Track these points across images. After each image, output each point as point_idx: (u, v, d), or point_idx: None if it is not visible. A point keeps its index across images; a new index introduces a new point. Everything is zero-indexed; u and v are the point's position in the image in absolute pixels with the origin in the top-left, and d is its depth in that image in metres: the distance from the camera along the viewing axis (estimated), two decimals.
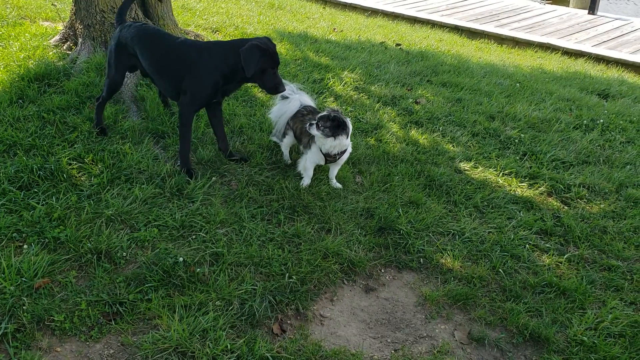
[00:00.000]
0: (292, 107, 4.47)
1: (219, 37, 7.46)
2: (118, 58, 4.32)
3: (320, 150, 4.13)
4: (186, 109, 4.12)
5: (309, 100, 4.57)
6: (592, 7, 12.89)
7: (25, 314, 2.83)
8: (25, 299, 2.92)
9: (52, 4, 7.31)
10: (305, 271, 3.38)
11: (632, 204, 4.50)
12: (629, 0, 17.75)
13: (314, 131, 4.01)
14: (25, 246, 3.26)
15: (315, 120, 4.01)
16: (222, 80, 4.03)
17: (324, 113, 3.99)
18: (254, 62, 3.83)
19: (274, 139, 4.71)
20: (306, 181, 4.23)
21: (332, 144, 4.02)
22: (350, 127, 4.10)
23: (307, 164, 4.21)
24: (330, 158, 4.16)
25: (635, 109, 6.69)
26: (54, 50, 5.76)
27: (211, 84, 4.03)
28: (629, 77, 9.04)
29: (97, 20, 5.54)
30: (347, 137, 4.04)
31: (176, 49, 4.07)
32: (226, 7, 9.78)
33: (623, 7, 17.05)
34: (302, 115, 4.38)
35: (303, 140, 4.33)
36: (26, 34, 6.16)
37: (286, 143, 4.54)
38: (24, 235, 3.35)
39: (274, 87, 3.98)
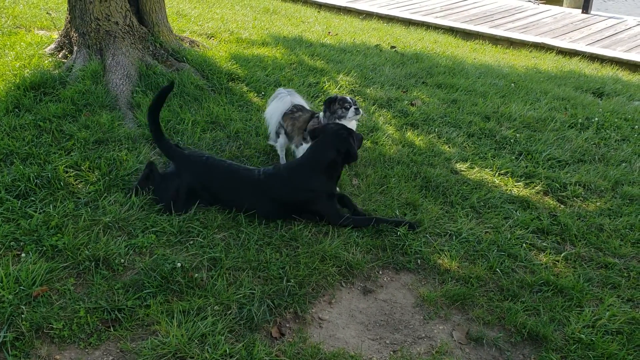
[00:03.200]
0: (283, 106, 4.56)
1: (214, 42, 7.48)
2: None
3: None
4: (336, 220, 3.92)
5: (300, 99, 4.64)
6: (586, 6, 12.94)
7: (24, 322, 2.83)
8: (23, 307, 2.92)
9: (47, 13, 7.33)
10: (303, 274, 3.39)
11: (627, 201, 4.52)
12: None
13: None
14: (23, 254, 3.27)
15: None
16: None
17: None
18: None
19: (271, 142, 4.74)
20: None
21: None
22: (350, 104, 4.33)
23: None
24: None
25: (630, 107, 6.72)
26: (50, 59, 5.77)
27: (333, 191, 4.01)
28: (623, 75, 9.07)
29: (92, 28, 5.56)
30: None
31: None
32: (221, 13, 9.81)
33: (617, 6, 17.11)
34: (293, 113, 4.53)
35: (295, 139, 4.48)
36: (22, 43, 6.17)
37: (280, 143, 4.59)
38: (21, 243, 3.36)
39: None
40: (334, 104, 4.33)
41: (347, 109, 4.29)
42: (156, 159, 4.45)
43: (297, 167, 3.95)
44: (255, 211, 3.85)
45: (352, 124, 4.36)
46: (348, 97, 4.37)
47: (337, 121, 4.26)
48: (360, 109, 4.34)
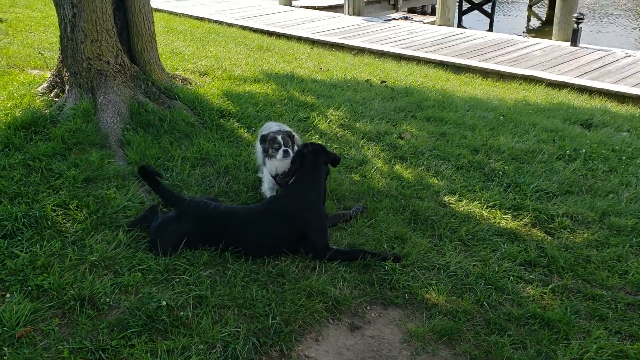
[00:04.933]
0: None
1: (206, 80, 7.58)
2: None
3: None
4: (322, 252, 3.93)
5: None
6: (574, 39, 13.16)
7: None
8: (6, 349, 2.91)
9: (40, 53, 7.44)
10: (289, 311, 3.37)
11: (615, 232, 4.53)
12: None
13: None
14: (7, 295, 3.26)
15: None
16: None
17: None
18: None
19: (259, 174, 4.78)
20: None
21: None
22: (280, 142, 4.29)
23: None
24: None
25: (618, 138, 6.78)
26: (42, 98, 5.84)
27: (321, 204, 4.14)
28: (612, 106, 9.18)
29: (83, 68, 5.64)
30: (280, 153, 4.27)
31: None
32: (215, 51, 9.96)
33: (605, 39, 17.40)
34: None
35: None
36: (14, 83, 6.25)
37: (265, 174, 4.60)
38: (7, 284, 3.36)
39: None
40: (265, 142, 4.32)
41: (277, 150, 4.24)
42: (145, 195, 4.47)
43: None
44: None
45: (283, 164, 4.29)
46: (279, 137, 4.25)
47: (268, 160, 4.36)
48: (290, 151, 4.22)
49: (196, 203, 3.98)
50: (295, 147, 4.38)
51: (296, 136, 4.69)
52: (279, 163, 4.31)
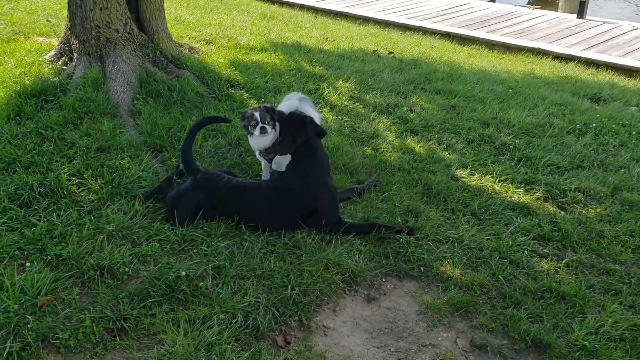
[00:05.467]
0: (287, 108, 4.53)
1: (212, 48, 7.49)
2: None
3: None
4: (336, 226, 3.94)
5: (307, 108, 4.53)
6: (581, 11, 13.02)
7: (30, 332, 2.84)
8: (29, 317, 2.93)
9: (47, 20, 7.33)
10: (307, 282, 3.40)
11: (627, 207, 4.55)
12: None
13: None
14: (27, 264, 3.27)
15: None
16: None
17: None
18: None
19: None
20: None
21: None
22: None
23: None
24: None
25: (627, 113, 6.76)
26: (50, 66, 5.77)
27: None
28: (619, 80, 9.13)
29: (92, 36, 5.56)
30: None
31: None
32: (219, 19, 9.82)
33: (612, 11, 17.20)
34: None
35: None
36: (21, 50, 6.17)
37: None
38: (25, 253, 3.36)
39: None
40: (244, 119, 4.18)
41: (254, 127, 4.09)
42: (158, 166, 4.46)
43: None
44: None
45: (263, 141, 4.17)
46: (257, 114, 4.08)
47: (249, 137, 4.26)
48: (267, 127, 4.07)
49: (209, 175, 3.97)
50: (276, 124, 4.25)
51: (313, 111, 4.58)
52: (258, 139, 4.17)
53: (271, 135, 4.11)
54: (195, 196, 3.85)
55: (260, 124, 4.04)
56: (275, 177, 4.11)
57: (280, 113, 4.18)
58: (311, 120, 4.15)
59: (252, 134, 4.11)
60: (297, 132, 4.03)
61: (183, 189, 3.90)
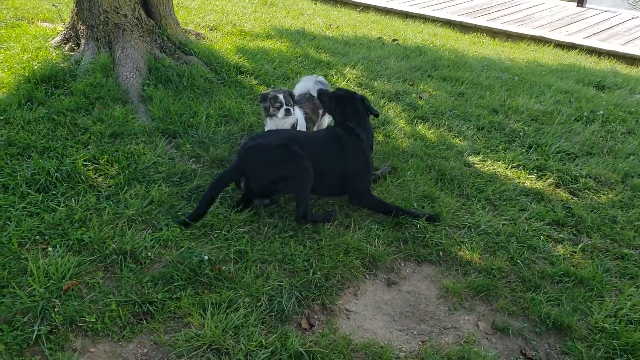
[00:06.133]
0: (306, 84, 4.56)
1: (217, 35, 7.45)
2: None
3: None
4: (364, 194, 4.02)
5: (322, 87, 4.55)
6: (581, 0, 13.04)
7: (57, 315, 2.84)
8: (55, 300, 2.93)
9: (53, 5, 7.25)
10: (328, 267, 3.42)
11: (638, 193, 4.59)
12: None
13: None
14: (50, 248, 3.27)
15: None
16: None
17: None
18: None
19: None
20: None
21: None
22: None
23: None
24: None
25: (632, 100, 6.80)
26: (57, 52, 5.72)
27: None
28: (621, 68, 9.17)
29: (100, 21, 5.52)
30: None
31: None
32: (220, 5, 9.75)
33: None
34: (314, 98, 4.53)
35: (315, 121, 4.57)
36: (26, 35, 6.11)
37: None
38: (46, 237, 3.36)
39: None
40: (265, 101, 4.18)
41: (278, 109, 4.10)
42: (173, 151, 4.45)
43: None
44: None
45: (284, 123, 4.19)
46: (280, 96, 4.11)
47: (269, 119, 4.25)
48: (291, 110, 4.11)
49: None
50: (297, 108, 4.33)
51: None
52: (279, 122, 4.18)
53: (292, 118, 4.12)
54: None
55: (285, 106, 4.05)
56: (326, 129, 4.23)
57: (325, 91, 4.27)
58: (362, 97, 4.21)
59: (274, 115, 4.11)
60: (346, 105, 4.12)
61: None
